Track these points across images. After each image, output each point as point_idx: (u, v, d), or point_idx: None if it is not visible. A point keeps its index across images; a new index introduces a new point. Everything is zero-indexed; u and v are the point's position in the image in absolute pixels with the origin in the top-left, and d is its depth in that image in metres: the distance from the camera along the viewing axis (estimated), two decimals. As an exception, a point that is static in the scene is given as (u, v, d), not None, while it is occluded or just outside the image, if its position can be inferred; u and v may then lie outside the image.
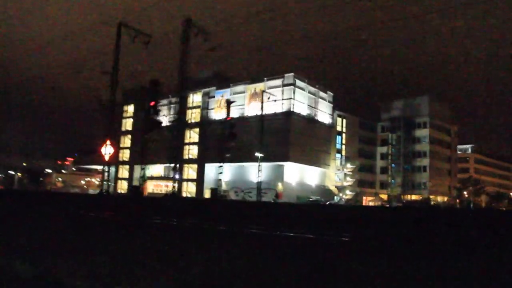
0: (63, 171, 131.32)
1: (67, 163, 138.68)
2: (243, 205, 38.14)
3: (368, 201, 75.04)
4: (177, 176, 79.90)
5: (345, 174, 71.51)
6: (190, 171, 73.70)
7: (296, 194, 65.49)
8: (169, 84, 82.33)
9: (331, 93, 72.06)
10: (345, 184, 70.82)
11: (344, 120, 75.69)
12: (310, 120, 66.51)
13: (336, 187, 70.01)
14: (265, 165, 65.99)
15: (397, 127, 78.01)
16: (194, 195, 71.71)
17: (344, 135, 75.33)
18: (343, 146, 74.70)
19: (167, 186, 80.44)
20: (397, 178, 76.70)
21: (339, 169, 71.50)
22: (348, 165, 72.53)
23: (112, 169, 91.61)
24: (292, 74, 63.01)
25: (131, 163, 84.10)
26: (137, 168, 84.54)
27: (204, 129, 71.63)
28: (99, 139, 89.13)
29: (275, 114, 63.25)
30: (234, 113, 68.83)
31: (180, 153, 75.41)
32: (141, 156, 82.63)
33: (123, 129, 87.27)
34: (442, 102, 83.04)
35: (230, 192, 69.85)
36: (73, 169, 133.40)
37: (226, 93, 70.29)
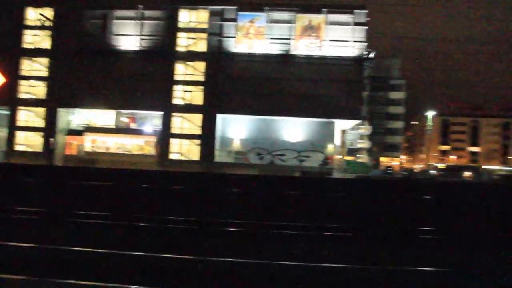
0: None
1: None
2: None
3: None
4: (148, 130, 53.92)
5: (360, 135, 63.57)
6: (185, 124, 51.08)
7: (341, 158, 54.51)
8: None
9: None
10: (359, 146, 63.16)
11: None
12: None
13: (350, 149, 61.64)
14: (303, 122, 51.65)
15: (374, 87, 74.57)
16: (198, 158, 50.06)
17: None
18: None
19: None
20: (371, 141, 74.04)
21: (352, 128, 62.80)
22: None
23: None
24: (366, 11, 49.93)
25: (50, 104, 51.92)
26: (63, 114, 52.96)
27: (217, 64, 50.32)
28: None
29: (341, 59, 49.27)
30: (273, 48, 50.53)
31: (167, 95, 50.57)
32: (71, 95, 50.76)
33: (27, 46, 52.56)
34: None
35: (249, 155, 52.06)
36: None
37: (258, 19, 50.45)
